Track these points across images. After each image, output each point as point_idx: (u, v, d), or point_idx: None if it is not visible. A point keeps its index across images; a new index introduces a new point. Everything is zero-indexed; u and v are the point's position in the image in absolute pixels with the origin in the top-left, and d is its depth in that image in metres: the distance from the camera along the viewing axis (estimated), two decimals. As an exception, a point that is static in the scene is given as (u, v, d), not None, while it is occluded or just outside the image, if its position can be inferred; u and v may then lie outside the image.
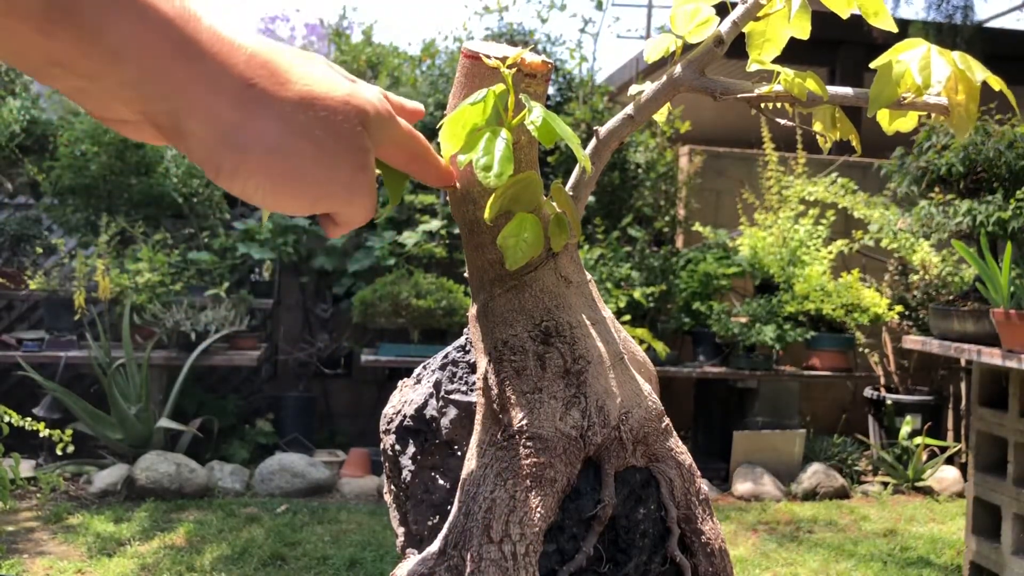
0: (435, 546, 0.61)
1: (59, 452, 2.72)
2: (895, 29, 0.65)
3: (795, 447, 4.71)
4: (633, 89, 0.68)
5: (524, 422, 0.60)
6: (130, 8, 0.41)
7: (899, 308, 4.86)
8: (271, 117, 0.46)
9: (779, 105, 0.67)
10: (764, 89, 0.65)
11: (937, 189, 3.84)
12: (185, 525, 3.63)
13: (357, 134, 0.50)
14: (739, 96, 0.65)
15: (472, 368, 0.69)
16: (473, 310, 0.67)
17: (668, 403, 0.68)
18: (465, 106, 0.55)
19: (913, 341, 3.50)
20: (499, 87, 0.55)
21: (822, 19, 0.76)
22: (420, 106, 0.59)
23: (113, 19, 0.40)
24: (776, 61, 0.66)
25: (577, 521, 0.61)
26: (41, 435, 2.62)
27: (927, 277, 4.81)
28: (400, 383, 0.75)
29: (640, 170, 5.30)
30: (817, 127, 0.70)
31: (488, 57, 0.57)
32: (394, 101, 0.57)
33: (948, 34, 6.59)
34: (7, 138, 4.85)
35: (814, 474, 4.57)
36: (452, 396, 0.69)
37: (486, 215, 0.58)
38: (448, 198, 0.64)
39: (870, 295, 4.82)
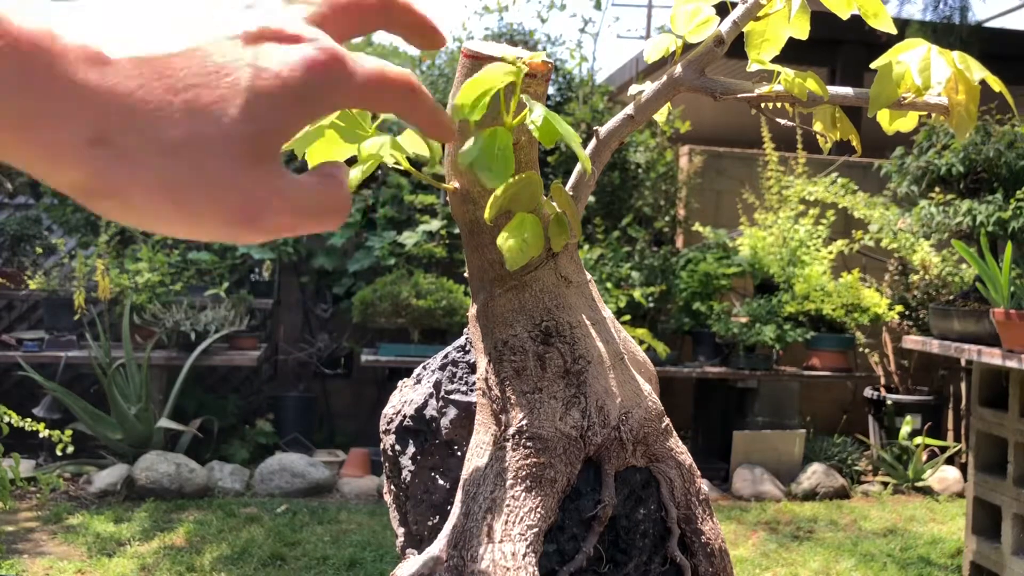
0: (435, 546, 0.61)
1: (59, 452, 2.72)
2: (894, 31, 0.65)
3: (795, 447, 4.71)
4: (633, 89, 0.68)
5: (524, 422, 0.60)
6: None
7: (899, 308, 4.86)
8: (135, 179, 0.36)
9: (779, 105, 0.67)
10: (764, 89, 0.65)
11: (937, 189, 3.84)
12: (185, 525, 3.63)
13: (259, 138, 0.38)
14: (739, 96, 0.65)
15: (472, 368, 0.69)
16: (473, 310, 0.67)
17: (668, 403, 0.68)
18: (484, 72, 0.53)
19: (913, 341, 3.50)
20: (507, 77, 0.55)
21: (822, 19, 0.76)
22: (404, 72, 0.43)
23: None
24: (776, 61, 0.66)
25: (577, 521, 0.61)
26: (41, 435, 2.62)
27: (927, 277, 4.81)
28: (400, 383, 0.75)
29: (640, 170, 5.30)
30: (817, 127, 0.70)
31: (489, 57, 0.57)
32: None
33: (944, 34, 6.59)
34: (7, 138, 4.85)
35: (814, 474, 4.57)
36: (452, 396, 0.69)
37: (486, 215, 0.58)
38: (448, 198, 0.64)
39: (870, 295, 4.82)
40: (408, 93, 0.43)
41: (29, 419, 2.57)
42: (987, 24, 7.49)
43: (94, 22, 0.36)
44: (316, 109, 0.39)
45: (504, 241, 0.58)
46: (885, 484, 4.76)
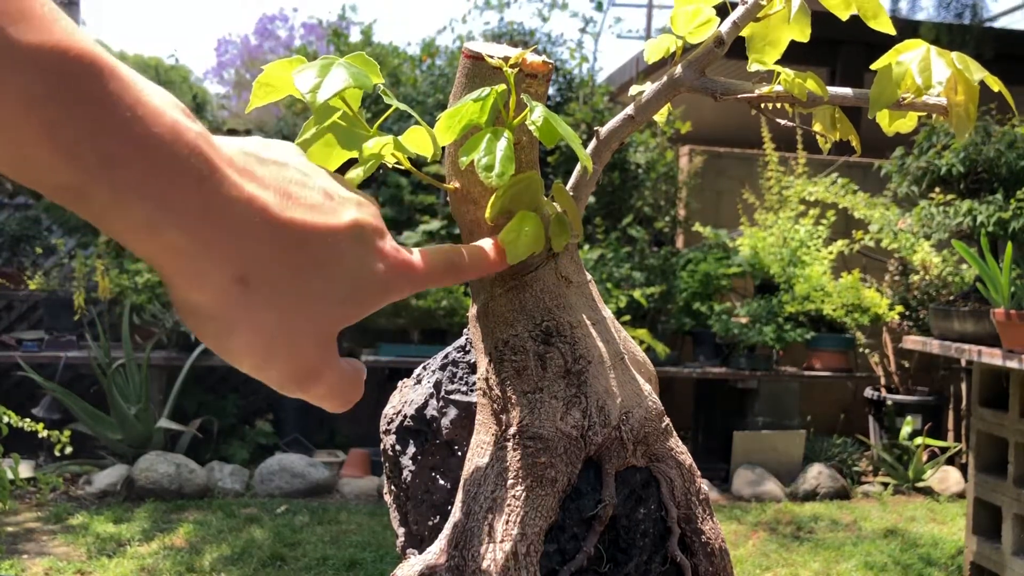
0: (436, 546, 0.61)
1: (57, 453, 2.72)
2: (893, 31, 0.65)
3: (795, 447, 4.71)
4: (634, 89, 0.68)
5: (525, 422, 0.60)
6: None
7: (899, 308, 4.86)
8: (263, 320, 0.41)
9: (779, 105, 0.67)
10: (764, 89, 0.65)
11: (937, 189, 3.84)
12: (185, 526, 3.64)
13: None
14: (739, 96, 0.65)
15: (472, 368, 0.69)
16: (473, 310, 0.67)
17: (668, 403, 0.69)
18: (467, 101, 0.55)
19: (913, 341, 3.50)
20: (500, 86, 0.55)
21: (822, 19, 0.76)
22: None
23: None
24: (776, 62, 0.66)
25: (578, 521, 0.61)
26: (40, 436, 2.62)
27: (927, 277, 4.81)
28: (400, 383, 0.75)
29: (640, 170, 5.30)
30: (817, 127, 0.70)
31: (490, 57, 0.57)
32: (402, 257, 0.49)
33: (958, 34, 6.59)
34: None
35: (814, 474, 4.57)
36: (452, 396, 0.69)
37: (487, 215, 0.58)
38: (448, 198, 0.64)
39: (870, 295, 4.82)
40: (455, 274, 0.53)
41: (28, 420, 2.57)
42: (999, 23, 7.49)
43: (265, 178, 0.42)
44: (386, 302, 0.47)
45: (506, 236, 0.58)
46: (885, 484, 4.76)
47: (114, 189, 0.35)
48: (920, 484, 4.75)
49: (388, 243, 0.47)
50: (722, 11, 0.65)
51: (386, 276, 0.46)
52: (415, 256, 0.49)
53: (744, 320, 4.80)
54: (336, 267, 0.43)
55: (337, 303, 0.44)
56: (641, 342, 4.49)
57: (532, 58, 0.58)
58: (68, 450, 2.73)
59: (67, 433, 2.72)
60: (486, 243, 0.57)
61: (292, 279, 0.41)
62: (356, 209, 0.45)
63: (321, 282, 0.42)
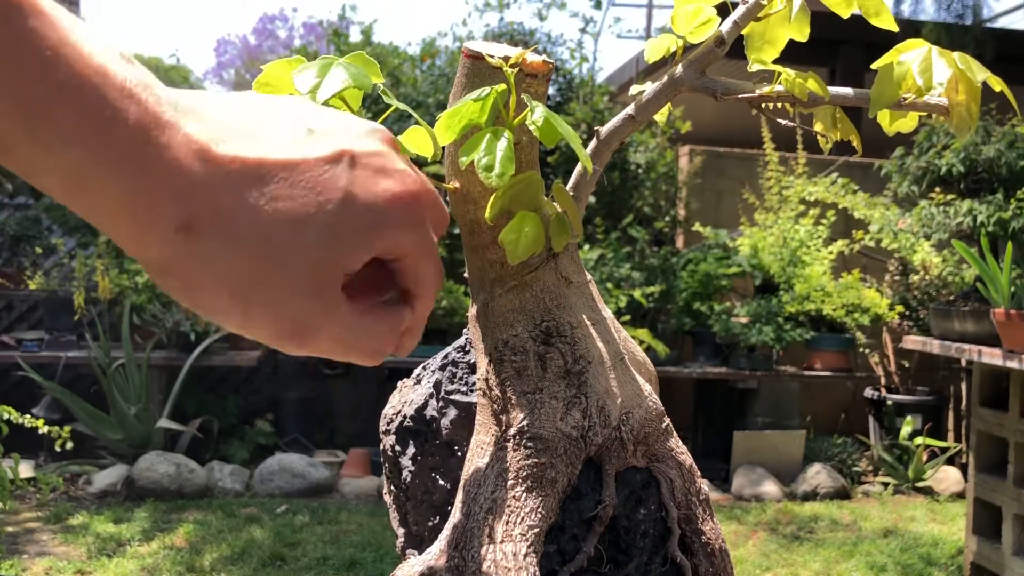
0: (436, 547, 0.61)
1: (58, 448, 2.72)
2: (896, 28, 0.64)
3: (795, 447, 4.71)
4: (634, 89, 0.68)
5: (525, 422, 0.60)
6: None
7: (900, 308, 4.86)
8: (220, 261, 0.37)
9: (780, 105, 0.66)
10: (765, 89, 0.65)
11: (938, 189, 3.84)
12: (185, 526, 3.63)
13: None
14: (740, 96, 0.65)
15: (472, 368, 0.69)
16: (473, 310, 0.66)
17: (668, 403, 0.68)
18: (467, 101, 0.55)
19: (913, 341, 3.50)
20: (501, 86, 0.55)
21: (822, 19, 0.76)
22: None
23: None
24: (776, 61, 0.66)
25: (578, 521, 0.61)
26: (40, 432, 2.62)
27: (928, 277, 4.81)
28: (400, 383, 0.75)
29: (640, 170, 5.30)
30: (818, 127, 0.70)
31: (491, 57, 0.57)
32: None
33: (958, 34, 6.59)
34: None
35: (815, 474, 4.57)
36: (452, 396, 0.69)
37: (487, 215, 0.58)
38: (448, 198, 0.64)
39: (870, 295, 4.82)
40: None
41: (28, 416, 2.57)
42: (998, 24, 7.50)
43: (212, 116, 0.38)
44: (385, 244, 0.41)
45: (506, 236, 0.58)
46: (885, 484, 4.76)
47: (35, 138, 0.32)
48: (920, 484, 4.75)
49: (393, 165, 0.42)
50: (723, 11, 0.65)
51: (381, 203, 0.40)
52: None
53: (744, 320, 4.80)
54: (306, 203, 0.38)
55: (315, 243, 0.38)
56: (641, 342, 4.49)
57: (532, 58, 0.58)
58: (69, 445, 2.73)
59: (67, 429, 2.72)
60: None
61: (246, 222, 0.37)
62: (346, 141, 0.40)
63: (287, 223, 0.38)
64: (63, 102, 0.33)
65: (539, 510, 0.59)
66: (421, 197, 0.42)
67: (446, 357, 0.72)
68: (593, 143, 0.68)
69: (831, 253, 5.00)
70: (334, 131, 0.41)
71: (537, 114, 0.54)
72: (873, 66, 0.63)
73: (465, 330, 0.70)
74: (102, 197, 0.35)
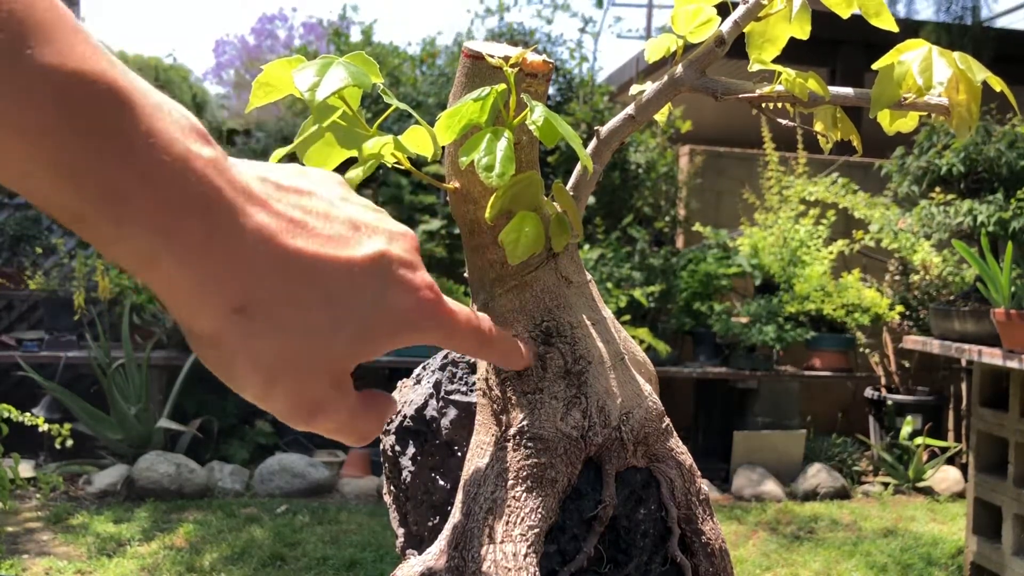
0: (436, 547, 0.61)
1: (58, 447, 2.72)
2: (896, 29, 0.64)
3: (795, 447, 4.71)
4: (634, 89, 0.68)
5: (525, 423, 0.60)
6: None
7: (900, 308, 4.86)
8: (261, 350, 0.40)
9: (780, 105, 0.66)
10: (765, 89, 0.65)
11: (938, 189, 3.84)
12: (185, 525, 3.63)
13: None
14: (740, 96, 0.65)
15: (472, 368, 0.69)
16: (473, 310, 0.66)
17: (668, 403, 0.68)
18: (467, 101, 0.54)
19: (914, 341, 3.50)
20: (501, 86, 0.55)
21: (822, 19, 0.76)
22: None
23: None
24: (776, 61, 0.66)
25: (578, 521, 0.61)
26: (40, 430, 2.62)
27: (928, 277, 4.81)
28: (400, 383, 0.75)
29: (640, 170, 5.30)
30: (818, 127, 0.70)
31: (491, 56, 0.57)
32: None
33: (958, 35, 6.59)
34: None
35: (815, 474, 4.57)
36: (452, 396, 0.69)
37: (487, 215, 0.58)
38: (448, 198, 0.64)
39: (871, 295, 4.82)
40: (483, 343, 0.52)
41: (28, 415, 2.57)
42: (999, 23, 7.50)
43: (278, 207, 0.40)
44: (405, 343, 0.45)
45: (506, 236, 0.58)
46: (886, 484, 4.76)
47: (116, 222, 0.35)
48: (920, 484, 4.75)
49: (420, 277, 0.45)
50: (723, 10, 0.65)
51: (412, 313, 0.44)
52: (453, 304, 0.48)
53: (744, 320, 4.80)
54: (349, 301, 0.41)
55: (347, 339, 0.42)
56: (641, 342, 4.49)
57: (532, 57, 0.58)
58: (69, 444, 2.73)
59: (67, 427, 2.72)
60: (523, 345, 0.59)
61: (295, 311, 0.40)
62: (385, 241, 0.43)
63: (328, 316, 0.41)
64: (144, 192, 0.35)
65: (539, 510, 0.59)
66: (444, 305, 0.47)
67: (446, 357, 0.72)
68: (593, 143, 0.68)
69: (831, 253, 5.00)
70: (376, 229, 0.44)
71: (537, 114, 0.54)
72: (873, 66, 0.63)
73: (465, 330, 0.70)
74: (167, 276, 0.37)
